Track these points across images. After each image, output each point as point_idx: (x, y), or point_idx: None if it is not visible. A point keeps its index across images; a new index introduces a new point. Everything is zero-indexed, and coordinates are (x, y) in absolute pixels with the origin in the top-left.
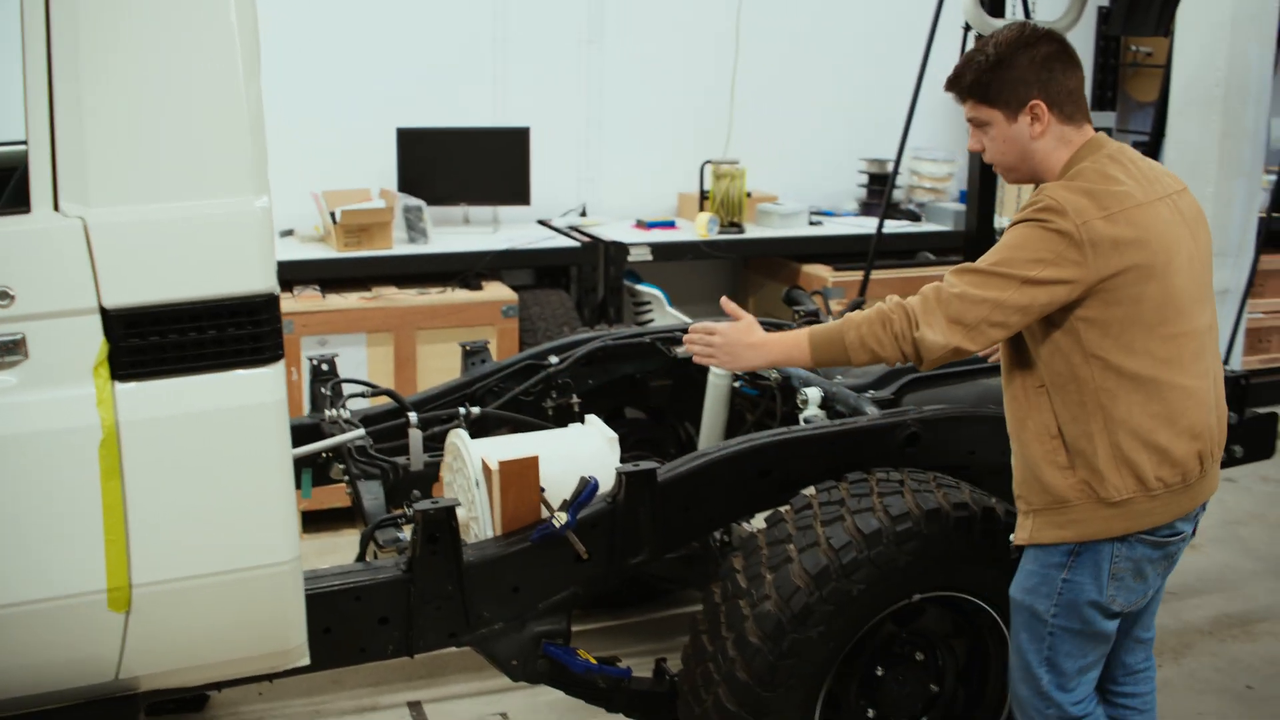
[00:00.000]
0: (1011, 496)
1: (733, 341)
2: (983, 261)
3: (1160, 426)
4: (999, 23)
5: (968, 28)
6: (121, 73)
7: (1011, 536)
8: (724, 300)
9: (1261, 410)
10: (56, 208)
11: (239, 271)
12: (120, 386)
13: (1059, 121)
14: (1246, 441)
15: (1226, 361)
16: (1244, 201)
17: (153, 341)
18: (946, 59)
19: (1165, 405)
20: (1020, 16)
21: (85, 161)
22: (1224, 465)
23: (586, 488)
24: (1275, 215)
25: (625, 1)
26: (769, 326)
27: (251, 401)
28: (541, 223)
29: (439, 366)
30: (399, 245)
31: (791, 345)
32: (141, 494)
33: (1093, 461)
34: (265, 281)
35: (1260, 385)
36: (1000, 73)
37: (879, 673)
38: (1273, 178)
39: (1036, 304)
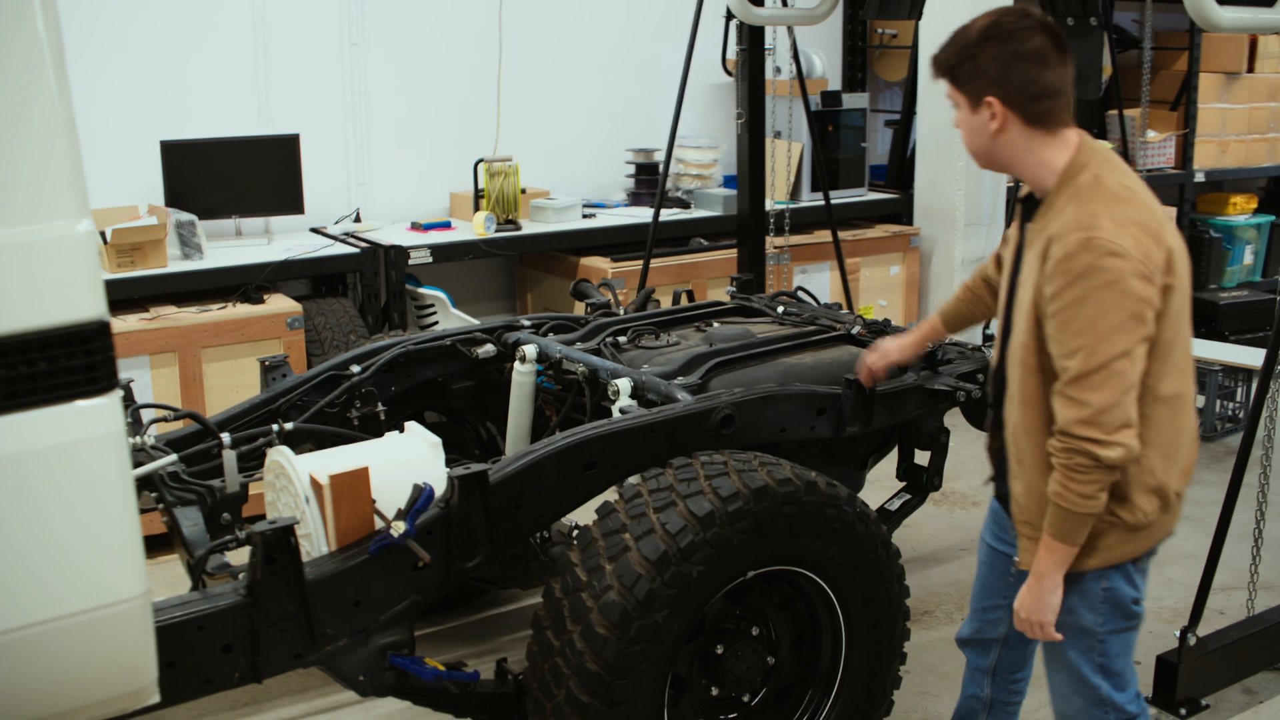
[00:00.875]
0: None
1: (1030, 605)
2: (1091, 361)
3: (1185, 441)
4: (763, 12)
5: (730, 16)
6: None
7: (1016, 560)
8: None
9: None
10: None
11: (67, 299)
12: None
13: (1024, 123)
14: None
15: (987, 326)
16: (992, 173)
17: None
18: (710, 49)
19: (1187, 418)
20: (779, 6)
21: None
22: None
23: (422, 495)
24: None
25: (385, 2)
26: (560, 321)
27: (89, 434)
28: (315, 230)
29: (227, 384)
30: (173, 263)
31: (1048, 552)
32: None
33: (1123, 490)
34: (95, 308)
35: None
36: (966, 60)
37: (719, 651)
38: None
39: (1143, 353)
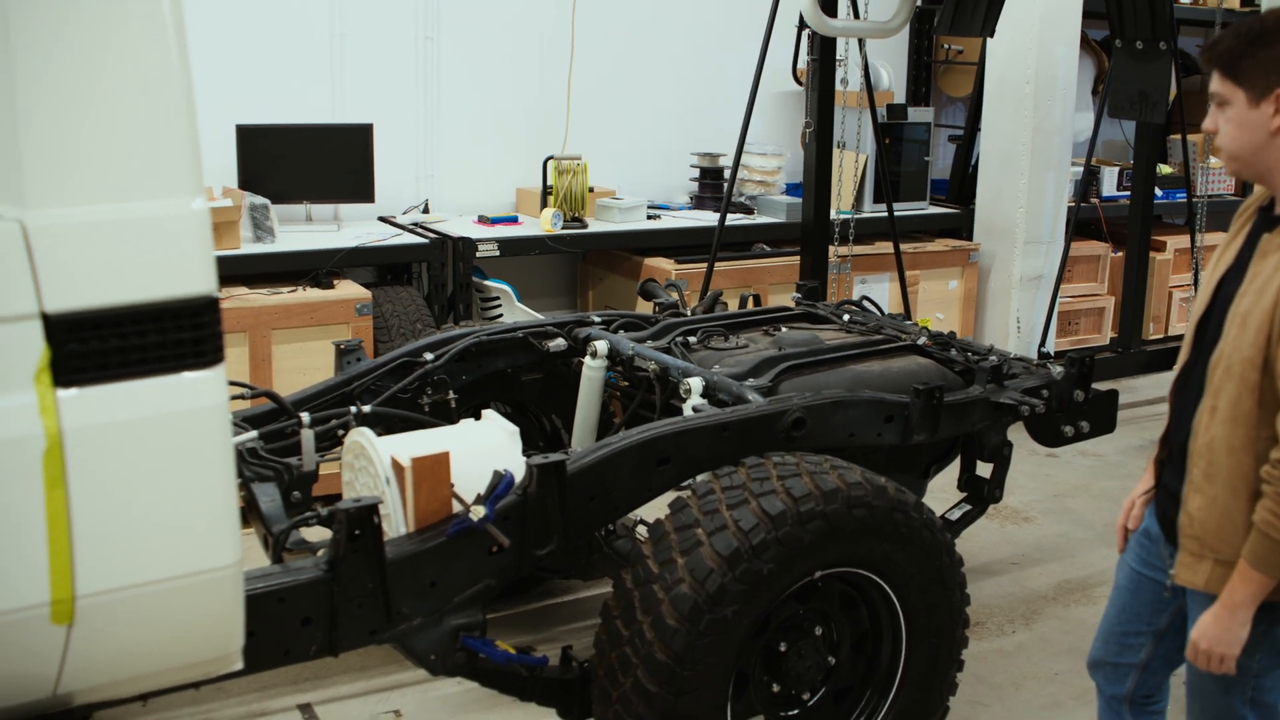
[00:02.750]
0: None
1: (1212, 637)
2: None
3: None
4: (837, 23)
5: (803, 25)
6: (56, 72)
7: (1172, 573)
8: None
9: (1103, 387)
10: None
11: (180, 273)
12: (63, 393)
13: None
14: (1093, 417)
15: (1042, 343)
16: (1054, 192)
17: (95, 346)
18: (782, 56)
19: None
20: (850, 17)
21: (21, 163)
22: (1073, 440)
23: (502, 481)
24: (1083, 205)
25: None
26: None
27: (195, 405)
28: (384, 219)
29: (295, 366)
30: (246, 245)
31: (1253, 589)
32: (86, 502)
33: None
34: (206, 283)
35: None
36: (1256, 49)
37: (782, 648)
38: (1079, 170)
39: None
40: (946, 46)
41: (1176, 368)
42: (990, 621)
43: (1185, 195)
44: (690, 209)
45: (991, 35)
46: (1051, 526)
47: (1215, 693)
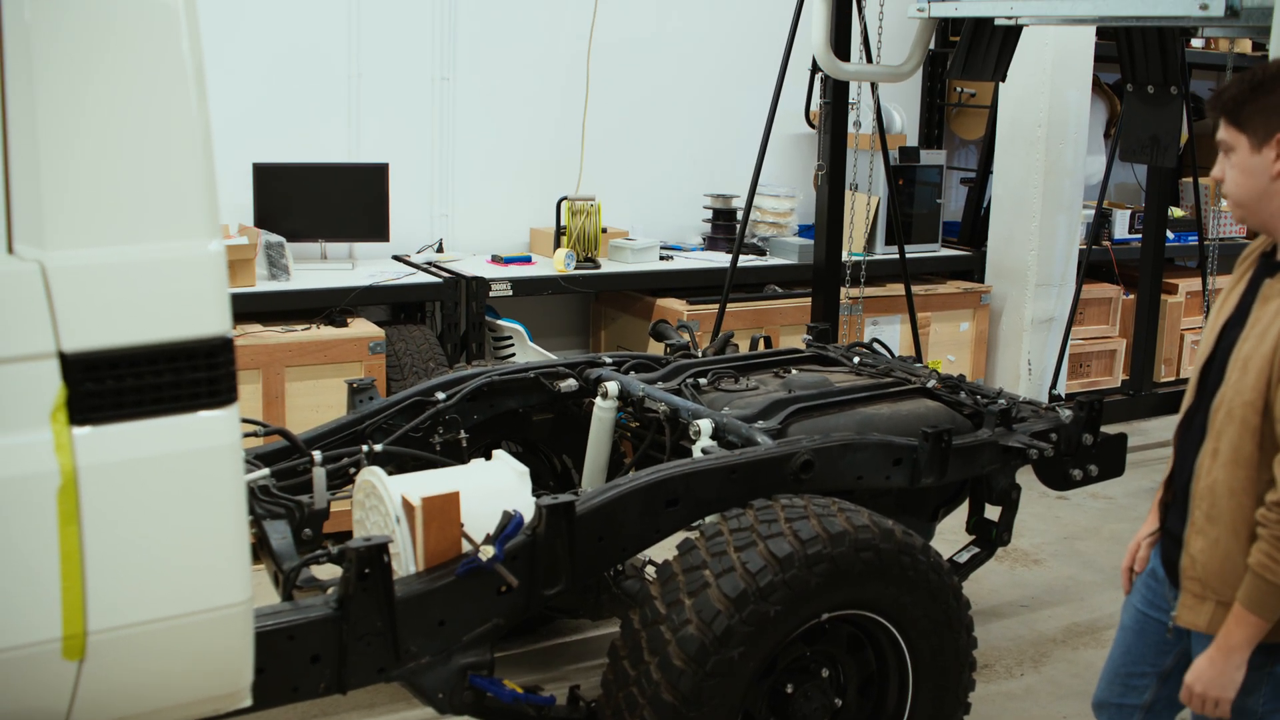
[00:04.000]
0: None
1: (1207, 680)
2: None
3: None
4: (849, 67)
5: (816, 68)
6: (77, 114)
7: (1174, 615)
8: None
9: (1112, 431)
10: (11, 250)
11: (196, 314)
12: (78, 431)
13: None
14: (1101, 460)
15: (1054, 386)
16: (1065, 234)
17: (110, 385)
18: (795, 99)
19: None
20: (863, 62)
21: (41, 204)
22: (1082, 483)
23: (511, 521)
24: (1095, 247)
25: (477, 39)
26: (641, 360)
27: (208, 444)
28: (398, 258)
29: (308, 403)
30: (261, 282)
31: (1239, 627)
32: (99, 539)
33: None
34: (221, 324)
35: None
36: (1258, 96)
37: (788, 690)
38: (1090, 213)
39: None
40: (959, 90)
41: (1181, 411)
42: (999, 664)
43: (1197, 238)
44: (703, 250)
45: (1003, 80)
46: (1061, 569)
47: None
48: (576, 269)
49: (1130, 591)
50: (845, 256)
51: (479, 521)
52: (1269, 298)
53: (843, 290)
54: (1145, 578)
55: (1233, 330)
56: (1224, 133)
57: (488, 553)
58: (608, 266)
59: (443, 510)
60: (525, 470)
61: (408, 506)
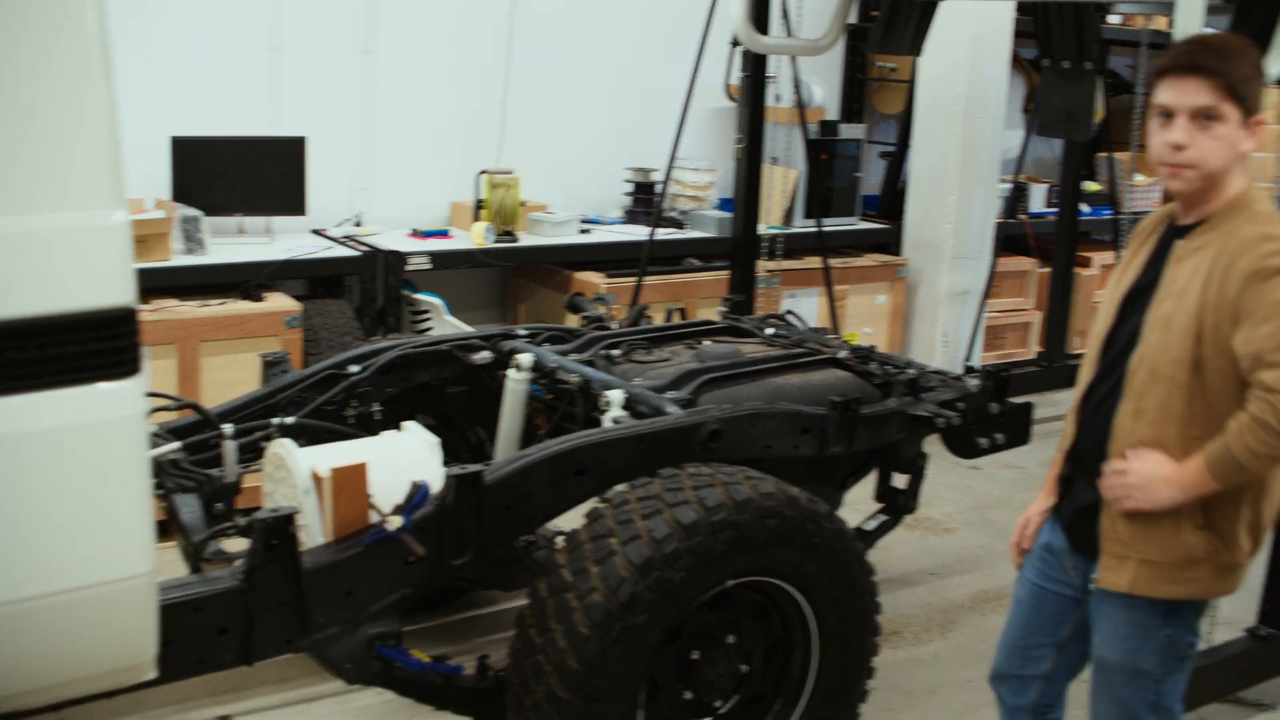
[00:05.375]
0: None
1: (1148, 477)
2: None
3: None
4: (768, 40)
5: (735, 43)
6: None
7: (1095, 578)
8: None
9: (1018, 400)
10: None
11: (99, 285)
12: None
13: (1254, 146)
14: (1008, 429)
15: (968, 357)
16: (982, 208)
17: (11, 357)
18: (714, 74)
19: None
20: (784, 35)
21: None
22: (988, 451)
23: (419, 492)
24: (1011, 221)
25: (399, 12)
26: (555, 333)
27: (112, 415)
28: (316, 232)
29: (224, 378)
30: (177, 257)
31: (1196, 475)
32: (1, 511)
33: (1230, 524)
34: (125, 295)
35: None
36: (1258, 77)
37: (694, 656)
38: (1008, 186)
39: None
40: (880, 64)
41: (1081, 384)
42: (908, 630)
43: (1111, 212)
44: (623, 223)
45: (919, 54)
46: (972, 538)
47: (1119, 698)
48: (495, 242)
49: (1023, 566)
50: (763, 229)
51: (389, 493)
52: (1182, 258)
53: (760, 263)
54: (1039, 550)
55: (1138, 298)
56: (1214, 99)
57: (395, 523)
58: (526, 240)
59: (351, 481)
60: (435, 441)
61: (316, 478)
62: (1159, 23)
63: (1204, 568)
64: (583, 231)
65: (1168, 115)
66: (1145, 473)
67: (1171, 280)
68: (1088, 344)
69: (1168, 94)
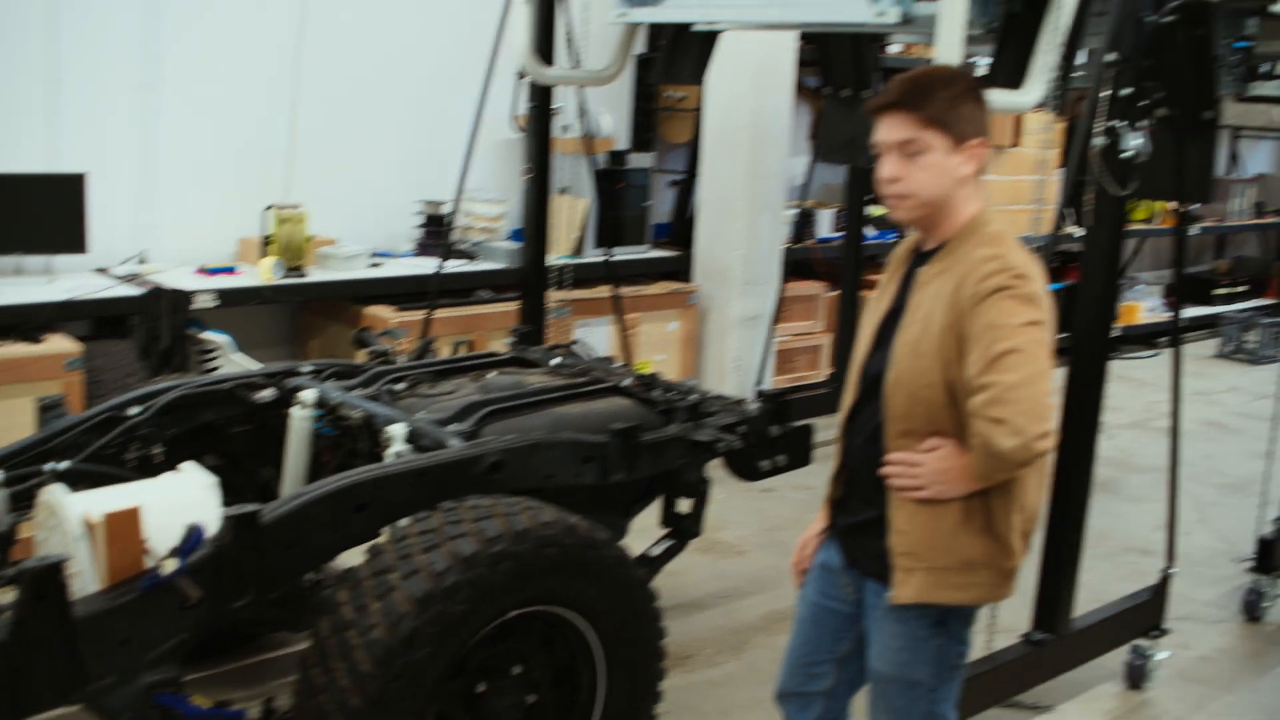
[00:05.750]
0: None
1: (942, 470)
2: (1000, 345)
3: (1041, 493)
4: (553, 72)
5: (522, 75)
6: None
7: (889, 595)
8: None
9: (798, 423)
10: None
11: None
12: None
13: (977, 169)
14: (789, 451)
15: (760, 381)
16: (770, 234)
17: None
18: (502, 105)
19: (1044, 470)
20: (569, 67)
21: None
22: (770, 474)
23: (194, 534)
24: (797, 247)
25: (181, 46)
26: (341, 368)
27: None
28: (99, 271)
29: (1, 425)
30: None
31: (972, 484)
32: None
33: (1004, 527)
34: None
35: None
36: (960, 103)
37: (481, 689)
38: (794, 213)
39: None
40: (669, 94)
41: (845, 408)
42: (701, 654)
43: (896, 235)
44: (415, 256)
45: (699, 82)
46: (763, 559)
47: (896, 709)
48: (284, 278)
49: (802, 586)
50: (553, 260)
51: (165, 536)
52: (925, 283)
53: (551, 293)
54: (818, 569)
55: (892, 324)
56: (915, 132)
57: (169, 566)
58: (316, 275)
59: (124, 526)
60: (213, 482)
61: (88, 524)
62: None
63: (985, 573)
64: (373, 265)
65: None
66: (937, 465)
67: (916, 306)
68: (850, 368)
69: (878, 131)
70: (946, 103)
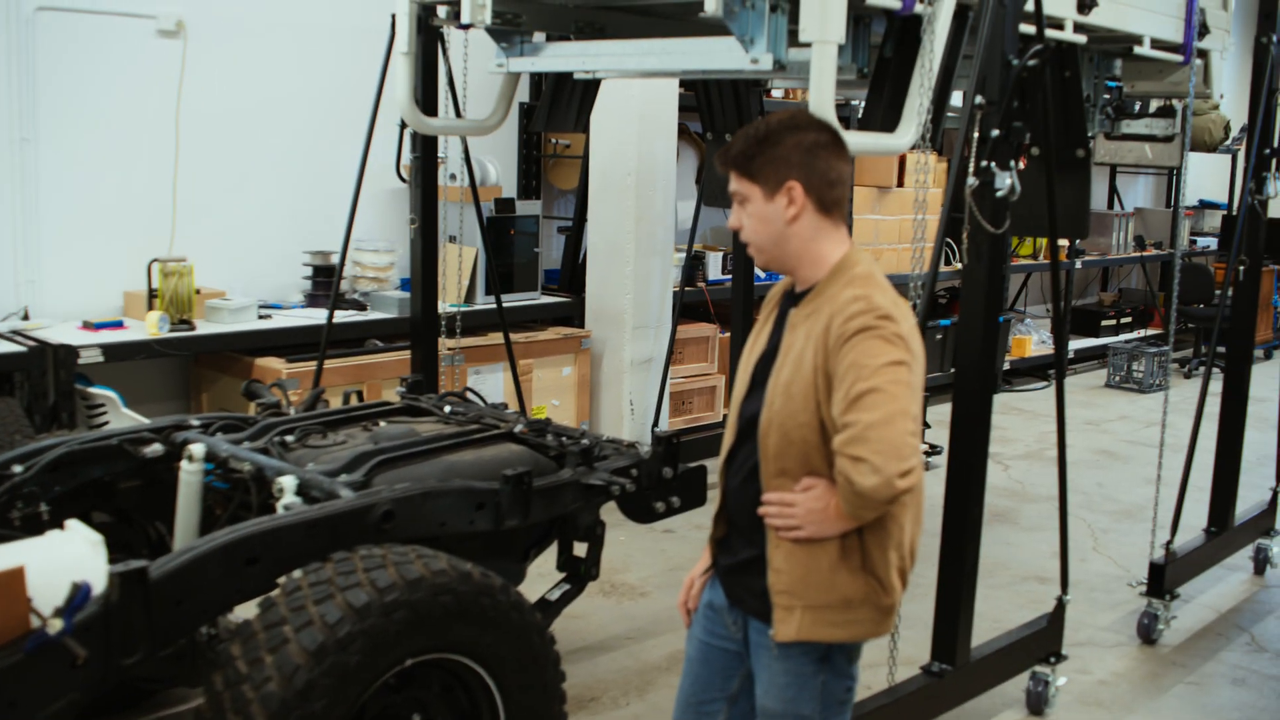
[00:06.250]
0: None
1: (816, 510)
2: (861, 385)
3: (917, 530)
4: (435, 122)
5: (404, 125)
6: None
7: (772, 633)
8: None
9: (692, 464)
10: None
11: None
12: None
13: (815, 210)
14: (683, 492)
15: (655, 423)
16: (659, 278)
17: None
18: (385, 155)
19: (920, 508)
20: (451, 116)
21: None
22: (665, 515)
23: (80, 592)
24: (688, 289)
25: (59, 100)
26: (230, 421)
27: None
28: None
29: None
30: None
31: (845, 524)
32: None
33: (884, 568)
34: None
35: (689, 442)
36: (765, 148)
37: None
38: (683, 256)
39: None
40: (555, 141)
41: (724, 449)
42: (605, 696)
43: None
44: (304, 307)
45: (582, 130)
46: (666, 600)
47: None
48: (171, 332)
49: (690, 625)
50: (444, 308)
51: (50, 595)
52: (795, 326)
53: (442, 341)
54: (704, 610)
55: (766, 365)
56: (737, 184)
57: (55, 626)
58: (204, 328)
59: (7, 586)
60: (99, 538)
61: None
62: None
63: (864, 610)
64: (262, 317)
65: None
66: (812, 505)
67: (788, 347)
68: (729, 409)
69: None
70: (756, 152)
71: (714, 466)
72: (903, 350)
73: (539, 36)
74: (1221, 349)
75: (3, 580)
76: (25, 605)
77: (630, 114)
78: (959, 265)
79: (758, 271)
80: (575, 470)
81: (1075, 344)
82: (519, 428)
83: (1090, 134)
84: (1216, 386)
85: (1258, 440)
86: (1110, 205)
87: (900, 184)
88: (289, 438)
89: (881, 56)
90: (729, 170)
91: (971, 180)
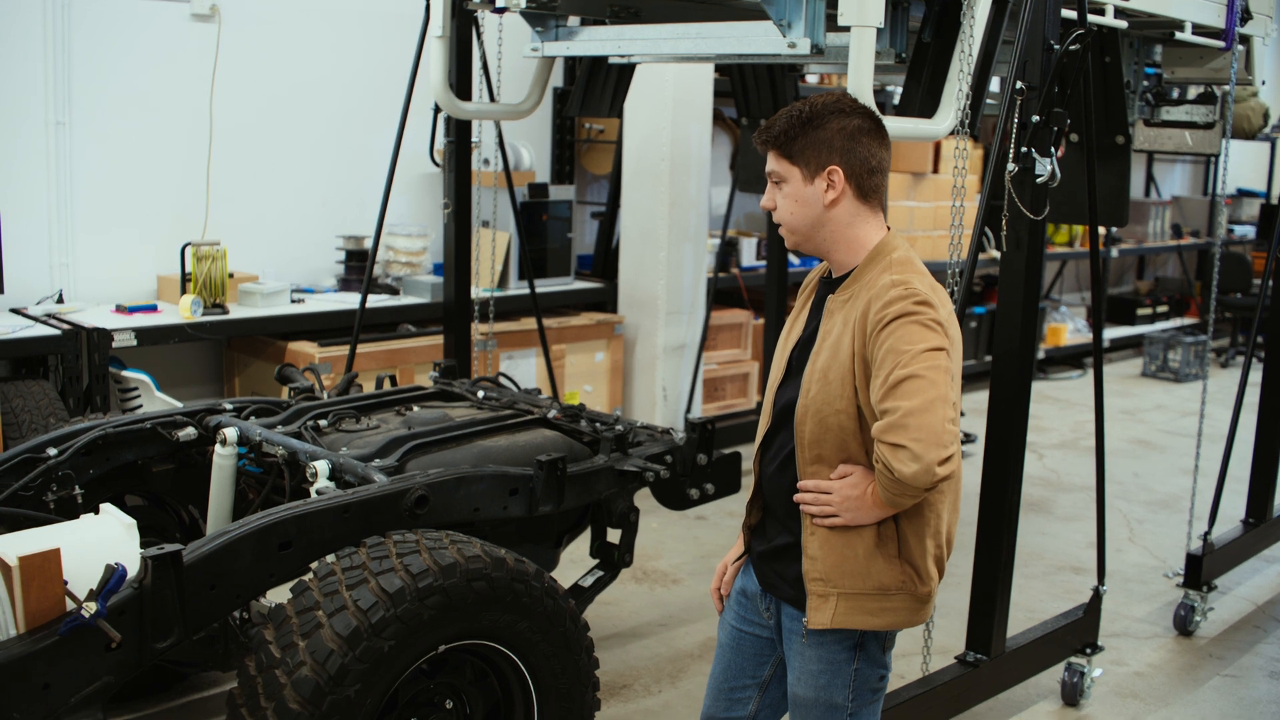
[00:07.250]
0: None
1: (853, 497)
2: (900, 371)
3: (955, 518)
4: (469, 106)
5: (438, 109)
6: None
7: (805, 620)
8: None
9: (727, 450)
10: None
11: None
12: None
13: (854, 196)
14: (717, 479)
15: (689, 410)
16: (693, 263)
17: None
18: (420, 139)
19: (958, 496)
20: (486, 101)
21: None
22: (699, 502)
23: (114, 575)
24: (721, 275)
25: (94, 82)
26: (263, 405)
27: None
28: (15, 311)
29: None
30: None
31: (881, 511)
32: None
33: (918, 554)
34: None
35: (723, 429)
36: (808, 130)
37: None
38: (716, 242)
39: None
40: (589, 126)
41: (759, 435)
42: (638, 683)
43: (818, 262)
44: (337, 291)
45: (617, 114)
46: (699, 587)
47: None
48: (204, 316)
49: (723, 611)
50: (477, 293)
51: (85, 578)
52: (833, 312)
53: (475, 326)
54: (736, 596)
55: (803, 351)
56: (775, 164)
57: (90, 609)
58: (237, 312)
59: (42, 568)
60: (132, 522)
61: (4, 567)
62: None
63: (900, 598)
64: (295, 301)
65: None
66: (850, 490)
67: (826, 333)
68: (764, 396)
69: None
70: (798, 134)
71: (748, 453)
72: (941, 336)
73: (574, 20)
74: (1260, 338)
75: (38, 563)
76: (60, 588)
77: (664, 99)
78: (995, 253)
79: (792, 258)
80: (609, 456)
81: (1110, 332)
82: (553, 413)
83: (1130, 120)
84: (1255, 376)
85: None
86: (1147, 193)
87: (935, 170)
88: (322, 422)
89: (920, 41)
90: (769, 150)
91: (1011, 166)
